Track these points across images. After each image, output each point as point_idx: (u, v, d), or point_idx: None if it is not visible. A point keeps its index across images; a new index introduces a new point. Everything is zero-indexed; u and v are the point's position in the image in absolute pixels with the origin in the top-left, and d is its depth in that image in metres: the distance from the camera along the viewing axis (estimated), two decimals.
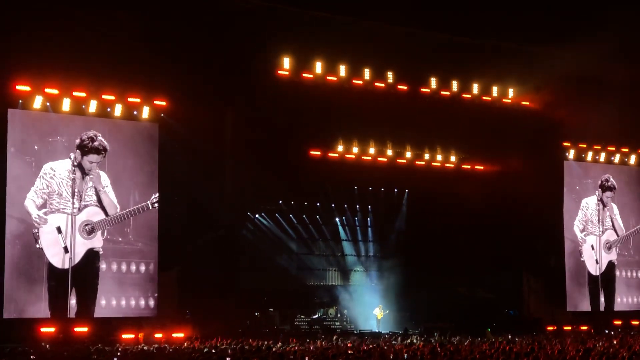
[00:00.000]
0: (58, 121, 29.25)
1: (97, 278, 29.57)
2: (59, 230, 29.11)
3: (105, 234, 29.95)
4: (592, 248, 38.81)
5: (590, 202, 39.18)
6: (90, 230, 29.65)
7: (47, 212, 28.92)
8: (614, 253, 39.50)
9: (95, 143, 29.56)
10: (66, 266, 29.12)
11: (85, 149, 29.39)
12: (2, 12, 26.81)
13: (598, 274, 38.78)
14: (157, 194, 30.22)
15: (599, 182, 39.39)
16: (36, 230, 28.72)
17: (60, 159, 29.13)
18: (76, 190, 29.35)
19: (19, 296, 28.23)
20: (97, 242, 29.89)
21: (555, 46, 33.22)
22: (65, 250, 29.27)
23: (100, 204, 29.88)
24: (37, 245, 28.82)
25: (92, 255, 29.67)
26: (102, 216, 29.87)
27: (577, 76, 34.27)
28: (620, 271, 39.60)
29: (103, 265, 29.73)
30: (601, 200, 39.24)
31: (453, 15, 32.40)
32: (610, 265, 39.29)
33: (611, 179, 39.52)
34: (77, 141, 29.33)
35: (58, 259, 29.11)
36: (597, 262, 38.78)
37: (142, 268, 30.33)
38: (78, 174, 29.36)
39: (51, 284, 28.72)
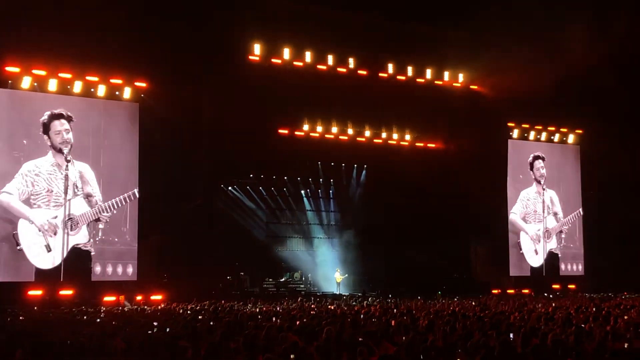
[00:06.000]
0: (44, 103, 28.38)
1: (89, 277, 28.58)
2: (39, 228, 27.47)
3: (90, 230, 28.46)
4: (532, 239, 38.53)
5: (530, 192, 39.00)
6: (74, 224, 28.20)
7: (28, 210, 27.38)
8: (554, 241, 39.13)
9: (56, 111, 28.25)
10: (49, 266, 27.58)
11: (49, 121, 28.07)
12: None
13: (538, 265, 38.53)
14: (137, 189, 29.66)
15: (529, 159, 39.25)
16: (15, 231, 26.99)
17: (44, 155, 28.08)
18: (60, 185, 27.96)
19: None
20: (81, 237, 28.40)
21: (500, 33, 33.11)
22: (48, 248, 27.57)
23: (85, 196, 28.60)
24: (18, 247, 27.04)
25: (83, 255, 28.23)
26: (86, 208, 28.65)
27: (520, 61, 34.14)
28: (566, 265, 39.44)
29: (97, 269, 28.72)
30: (537, 182, 39.13)
31: (409, 6, 32.23)
32: (553, 256, 38.94)
33: (539, 153, 39.56)
34: (40, 129, 27.96)
35: (40, 260, 27.40)
36: (536, 252, 38.49)
37: (129, 270, 29.54)
38: (62, 166, 28.08)
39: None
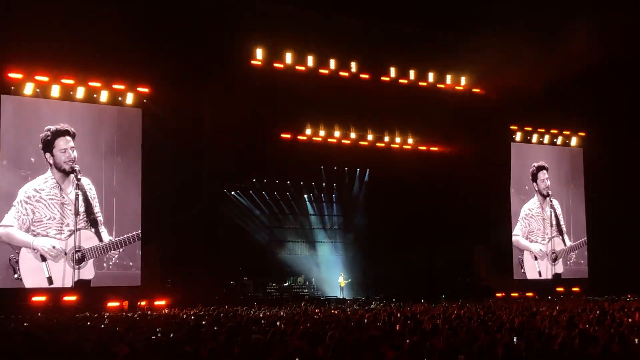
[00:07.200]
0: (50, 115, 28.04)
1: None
2: (42, 258, 26.19)
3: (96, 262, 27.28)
4: (535, 258, 38.31)
5: (533, 207, 38.78)
6: (80, 258, 27.04)
7: (30, 237, 26.20)
8: (561, 265, 38.82)
9: (58, 126, 27.64)
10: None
11: (50, 138, 27.36)
12: None
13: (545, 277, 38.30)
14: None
15: (531, 170, 39.05)
16: (14, 256, 25.68)
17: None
18: (62, 210, 26.98)
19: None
20: (87, 272, 27.13)
21: (501, 36, 33.07)
22: (50, 281, 26.03)
23: (90, 223, 27.48)
24: (15, 275, 25.57)
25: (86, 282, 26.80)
26: (95, 242, 27.54)
27: (521, 64, 34.09)
28: (569, 275, 39.03)
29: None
30: (542, 195, 38.98)
31: (411, 9, 32.22)
32: (556, 275, 38.66)
33: (543, 163, 39.35)
34: (40, 145, 27.25)
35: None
36: (540, 274, 38.17)
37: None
38: (65, 188, 27.27)
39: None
